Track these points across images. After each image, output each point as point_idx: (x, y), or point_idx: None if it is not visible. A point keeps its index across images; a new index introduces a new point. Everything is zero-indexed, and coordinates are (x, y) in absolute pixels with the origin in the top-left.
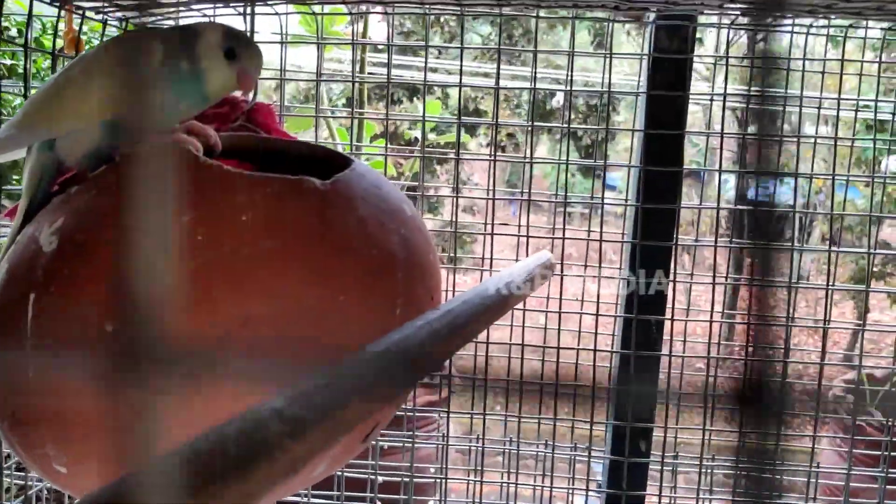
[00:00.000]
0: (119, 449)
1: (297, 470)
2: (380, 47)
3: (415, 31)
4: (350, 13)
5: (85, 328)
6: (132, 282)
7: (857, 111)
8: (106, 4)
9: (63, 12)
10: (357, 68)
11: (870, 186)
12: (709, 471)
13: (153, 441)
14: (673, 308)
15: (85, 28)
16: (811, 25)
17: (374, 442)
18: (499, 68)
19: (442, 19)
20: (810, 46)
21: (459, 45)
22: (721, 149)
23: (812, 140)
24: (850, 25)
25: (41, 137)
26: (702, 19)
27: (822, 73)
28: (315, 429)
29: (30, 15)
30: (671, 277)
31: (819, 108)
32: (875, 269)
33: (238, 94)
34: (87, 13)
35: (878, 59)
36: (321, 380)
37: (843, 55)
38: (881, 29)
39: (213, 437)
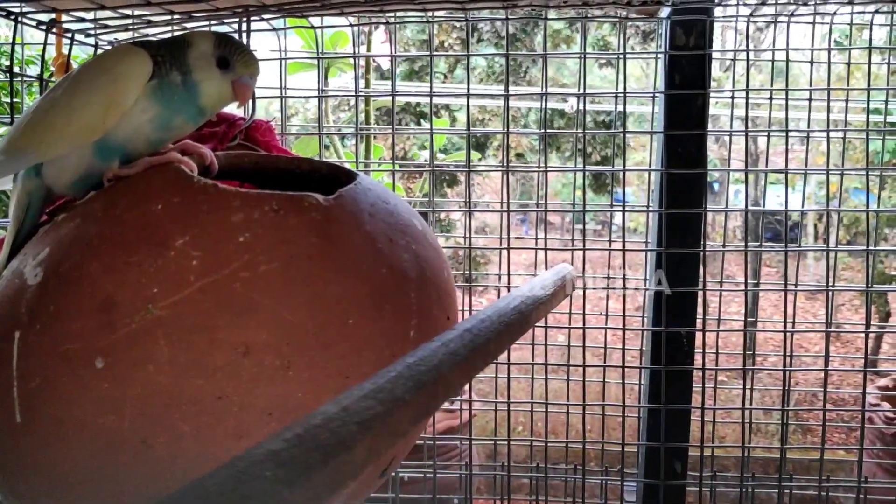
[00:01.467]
0: None
1: None
2: (385, 75)
3: (420, 57)
4: (350, 25)
5: (73, 366)
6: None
7: (868, 113)
8: (96, 27)
9: (52, 37)
10: (362, 84)
11: (885, 191)
12: (749, 490)
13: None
14: (704, 319)
15: (77, 51)
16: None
17: (393, 473)
18: (507, 71)
19: (446, 43)
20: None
21: (466, 53)
22: (729, 156)
23: (823, 141)
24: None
25: (28, 163)
26: (718, 13)
27: (829, 70)
28: (318, 474)
29: (14, 41)
30: (700, 286)
31: (828, 101)
32: (895, 273)
33: (235, 107)
34: (77, 36)
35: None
36: (325, 416)
37: (849, 57)
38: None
39: (191, 492)
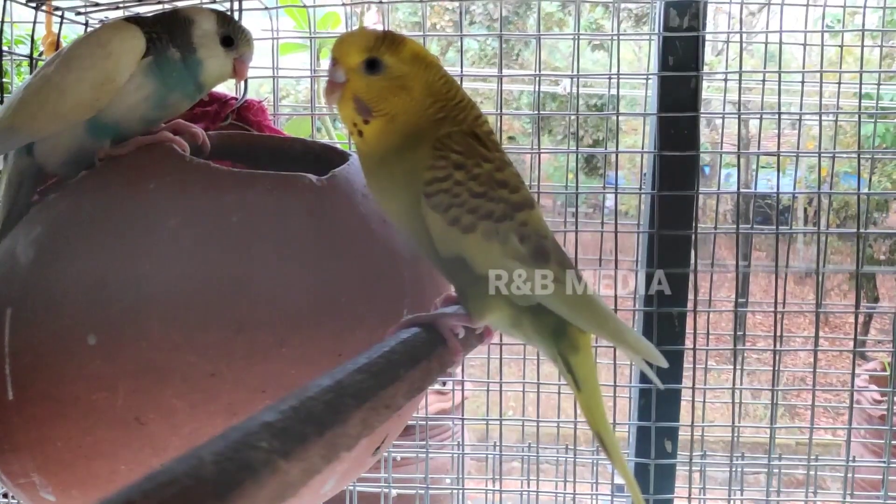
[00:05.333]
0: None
1: (291, 494)
2: None
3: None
4: (343, 4)
5: (66, 343)
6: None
7: (860, 97)
8: (87, 5)
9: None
10: None
11: (875, 175)
12: (739, 469)
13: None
14: (696, 300)
15: (66, 30)
16: None
17: (385, 453)
18: (501, 51)
19: (438, 26)
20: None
21: (459, 34)
22: (721, 140)
23: (815, 125)
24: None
25: (20, 142)
26: None
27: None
28: (313, 445)
29: (2, 19)
30: (691, 268)
31: (820, 85)
32: (883, 257)
33: (226, 94)
34: (67, 14)
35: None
36: (320, 388)
37: (842, 41)
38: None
39: (187, 461)
